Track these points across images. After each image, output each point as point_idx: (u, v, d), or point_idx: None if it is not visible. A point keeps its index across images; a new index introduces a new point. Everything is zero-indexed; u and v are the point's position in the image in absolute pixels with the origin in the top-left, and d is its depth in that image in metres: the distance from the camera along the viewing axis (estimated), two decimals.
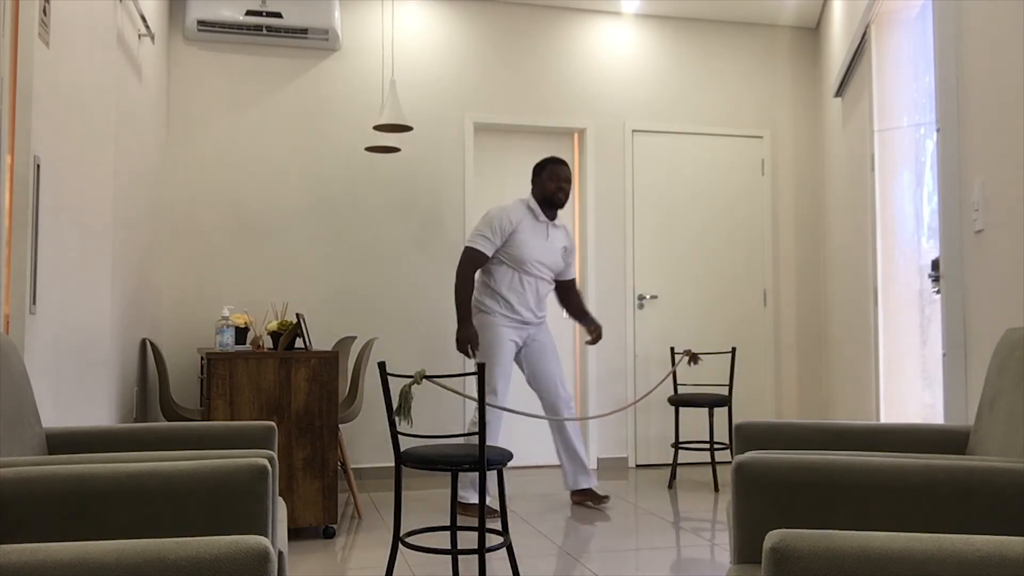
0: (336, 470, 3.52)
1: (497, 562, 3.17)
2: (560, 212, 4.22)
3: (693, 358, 4.65)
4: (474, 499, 4.07)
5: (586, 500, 4.18)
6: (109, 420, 3.38)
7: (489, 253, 4.04)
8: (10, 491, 1.36)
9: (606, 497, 4.17)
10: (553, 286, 4.26)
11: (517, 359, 4.23)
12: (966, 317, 2.88)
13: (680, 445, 5.11)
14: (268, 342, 4.84)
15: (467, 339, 4.00)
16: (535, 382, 4.19)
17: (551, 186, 4.08)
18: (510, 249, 4.06)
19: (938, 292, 3.15)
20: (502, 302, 4.09)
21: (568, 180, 4.13)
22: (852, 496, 1.48)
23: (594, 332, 4.27)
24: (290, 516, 3.48)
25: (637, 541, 3.50)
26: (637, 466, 5.38)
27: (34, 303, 2.31)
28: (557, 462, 5.39)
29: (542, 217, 4.13)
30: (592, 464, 5.27)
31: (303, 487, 3.49)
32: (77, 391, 2.84)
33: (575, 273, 4.37)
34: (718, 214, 5.60)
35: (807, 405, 5.63)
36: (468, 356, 4.03)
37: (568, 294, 4.34)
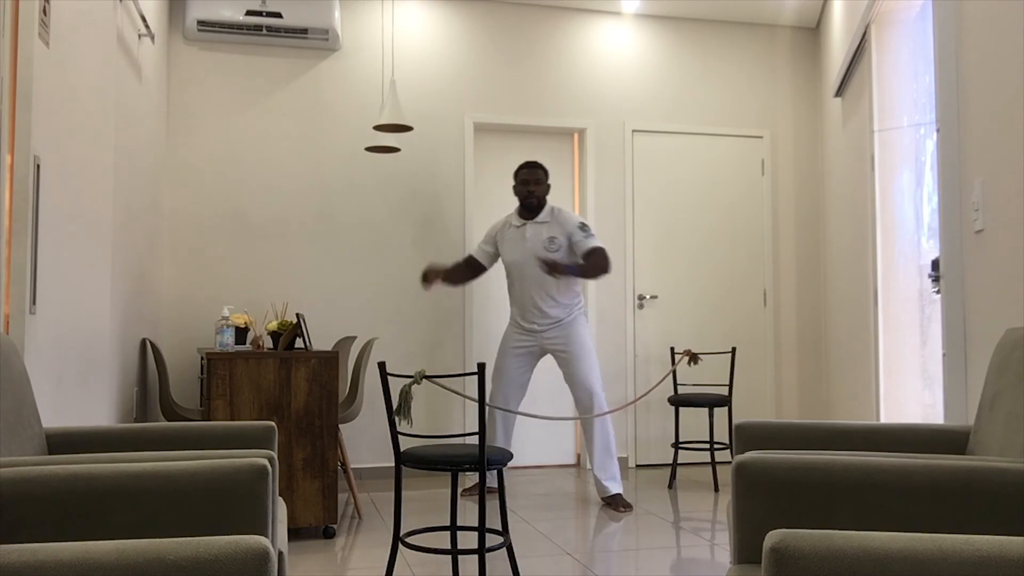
0: (336, 470, 3.52)
1: (497, 562, 3.17)
2: (557, 208, 4.30)
3: (693, 358, 4.65)
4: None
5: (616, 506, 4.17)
6: (109, 420, 3.38)
7: (478, 256, 4.45)
8: (10, 491, 1.36)
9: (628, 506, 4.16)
10: (553, 287, 4.22)
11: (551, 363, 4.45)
12: (966, 317, 2.88)
13: (680, 445, 5.11)
14: (268, 342, 4.84)
15: (428, 270, 4.28)
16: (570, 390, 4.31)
17: (521, 190, 4.28)
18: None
19: (938, 292, 3.15)
20: (511, 310, 4.42)
21: (535, 180, 4.25)
22: (852, 496, 1.48)
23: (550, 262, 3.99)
24: (290, 516, 3.48)
25: (637, 541, 3.50)
26: (637, 466, 5.38)
27: (34, 303, 2.31)
28: (557, 462, 5.40)
29: (517, 221, 4.32)
30: (590, 464, 5.27)
31: (303, 487, 3.49)
32: (77, 391, 2.84)
33: (589, 248, 4.13)
34: (718, 214, 5.60)
35: (807, 405, 5.63)
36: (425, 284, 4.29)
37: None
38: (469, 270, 4.47)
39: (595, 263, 4.09)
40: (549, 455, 5.38)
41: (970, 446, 2.02)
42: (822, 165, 5.65)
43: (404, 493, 4.54)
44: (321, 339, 4.97)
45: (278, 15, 4.71)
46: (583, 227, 4.20)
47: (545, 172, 4.30)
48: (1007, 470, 1.46)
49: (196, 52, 4.91)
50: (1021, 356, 1.80)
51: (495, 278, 5.36)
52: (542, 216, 4.27)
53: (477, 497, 4.13)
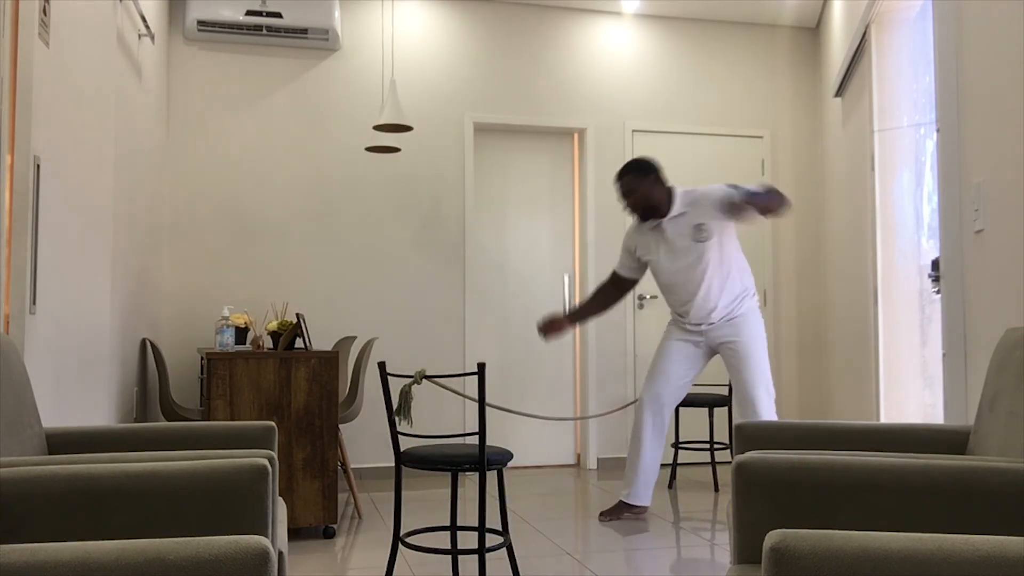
0: (336, 470, 3.52)
1: (497, 562, 3.17)
2: (688, 190, 3.70)
3: None
4: (639, 501, 3.80)
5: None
6: (109, 420, 3.38)
7: (623, 272, 3.86)
8: (10, 491, 1.36)
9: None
10: (717, 279, 3.65)
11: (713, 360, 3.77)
12: (966, 317, 2.88)
13: (680, 445, 5.11)
14: (268, 342, 4.84)
15: (547, 321, 3.79)
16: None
17: (626, 205, 3.73)
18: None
19: (938, 292, 3.15)
20: (671, 310, 3.89)
21: (629, 191, 3.66)
22: (852, 496, 1.48)
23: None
24: (290, 516, 3.48)
25: (637, 541, 3.50)
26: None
27: (34, 303, 2.31)
28: (557, 462, 5.40)
29: (651, 222, 3.72)
30: (592, 464, 5.27)
31: (303, 487, 3.49)
32: (77, 391, 2.84)
33: (748, 200, 3.47)
34: None
35: (807, 405, 5.63)
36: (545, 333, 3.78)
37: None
38: (614, 290, 3.88)
39: (772, 191, 3.42)
40: (549, 455, 5.38)
41: (970, 446, 2.02)
42: (822, 165, 5.65)
43: (404, 493, 4.54)
44: (321, 339, 4.97)
45: (278, 15, 4.71)
46: (733, 186, 3.57)
47: (637, 172, 3.65)
48: (1007, 470, 1.46)
49: (196, 52, 4.91)
50: (1021, 356, 1.80)
51: (491, 279, 5.36)
52: (676, 209, 3.65)
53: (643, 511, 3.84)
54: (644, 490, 3.83)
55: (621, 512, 3.87)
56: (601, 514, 3.90)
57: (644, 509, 3.88)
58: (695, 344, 3.79)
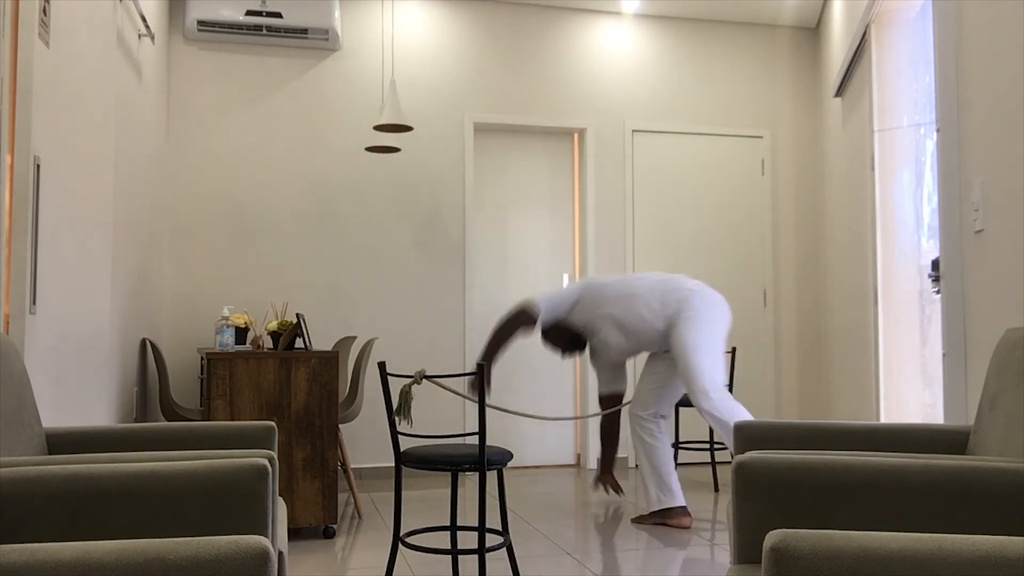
0: (336, 470, 3.52)
1: (497, 562, 3.17)
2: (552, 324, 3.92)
3: None
4: (677, 502, 3.75)
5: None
6: (109, 420, 3.38)
7: (603, 390, 4.08)
8: (10, 491, 1.36)
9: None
10: (635, 329, 3.76)
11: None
12: (966, 317, 2.88)
13: (680, 445, 5.11)
14: (268, 342, 4.84)
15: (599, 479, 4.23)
16: None
17: (562, 354, 4.00)
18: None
19: (938, 292, 3.15)
20: None
21: (553, 344, 3.94)
22: (852, 496, 1.48)
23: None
24: (290, 516, 3.48)
25: (637, 541, 3.50)
26: (637, 466, 5.37)
27: (34, 303, 2.31)
28: (557, 462, 5.40)
29: (590, 347, 3.99)
30: (592, 464, 5.27)
31: (303, 487, 3.49)
32: (77, 391, 2.84)
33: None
34: (718, 214, 5.60)
35: (807, 405, 5.63)
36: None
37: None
38: (610, 414, 4.10)
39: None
40: (549, 455, 5.38)
41: (970, 446, 2.02)
42: (822, 165, 5.65)
43: (404, 493, 4.54)
44: (321, 339, 4.97)
45: (278, 15, 4.71)
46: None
47: (543, 336, 3.92)
48: (1007, 470, 1.46)
49: (196, 52, 4.91)
50: (1021, 356, 1.80)
51: (491, 279, 5.36)
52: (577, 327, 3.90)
53: (677, 513, 3.75)
54: (667, 492, 3.76)
55: (656, 521, 3.78)
56: (637, 518, 3.85)
57: (684, 511, 3.75)
58: (664, 351, 3.86)
